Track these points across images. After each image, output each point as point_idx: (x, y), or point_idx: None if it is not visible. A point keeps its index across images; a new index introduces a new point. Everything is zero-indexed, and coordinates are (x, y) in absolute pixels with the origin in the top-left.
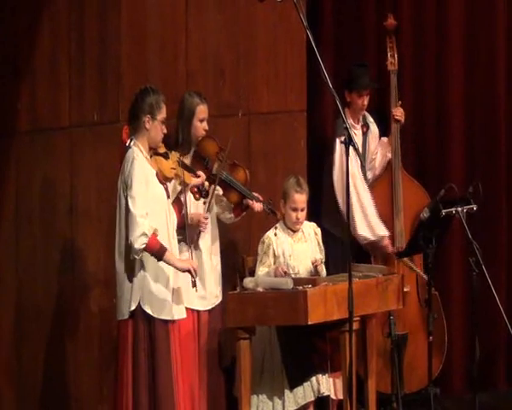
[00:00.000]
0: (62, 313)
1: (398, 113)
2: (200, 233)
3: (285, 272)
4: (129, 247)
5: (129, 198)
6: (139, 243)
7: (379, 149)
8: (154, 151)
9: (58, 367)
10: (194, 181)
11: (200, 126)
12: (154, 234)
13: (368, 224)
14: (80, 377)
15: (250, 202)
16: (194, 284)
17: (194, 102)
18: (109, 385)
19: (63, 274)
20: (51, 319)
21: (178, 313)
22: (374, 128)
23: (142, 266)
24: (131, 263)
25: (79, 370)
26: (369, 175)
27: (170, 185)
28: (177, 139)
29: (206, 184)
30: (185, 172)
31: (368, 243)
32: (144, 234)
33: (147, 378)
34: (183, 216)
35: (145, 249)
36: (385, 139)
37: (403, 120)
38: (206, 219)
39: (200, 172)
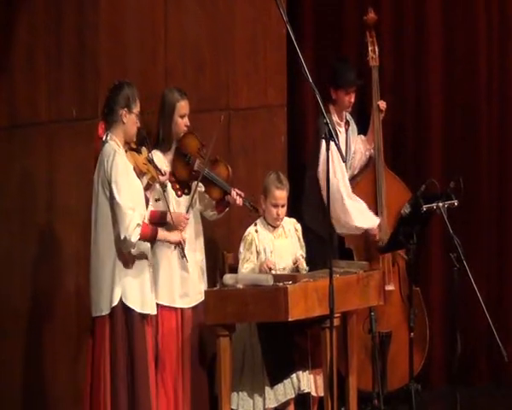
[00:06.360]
0: (39, 308)
1: (383, 104)
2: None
3: (270, 269)
4: (122, 242)
5: (115, 192)
6: (135, 235)
7: (358, 148)
8: (128, 146)
9: (36, 364)
10: (160, 178)
11: (182, 122)
12: (143, 221)
13: (363, 216)
14: (58, 374)
15: (231, 197)
16: (183, 255)
17: (175, 98)
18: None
19: (41, 269)
20: (28, 315)
21: (154, 308)
22: (353, 126)
23: (123, 262)
24: (112, 258)
25: (57, 367)
26: (348, 173)
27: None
28: (158, 136)
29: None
30: (152, 169)
31: (362, 233)
32: (138, 225)
33: (125, 376)
34: (161, 214)
35: (140, 239)
36: (363, 137)
37: (384, 113)
38: (187, 219)
39: (165, 170)
